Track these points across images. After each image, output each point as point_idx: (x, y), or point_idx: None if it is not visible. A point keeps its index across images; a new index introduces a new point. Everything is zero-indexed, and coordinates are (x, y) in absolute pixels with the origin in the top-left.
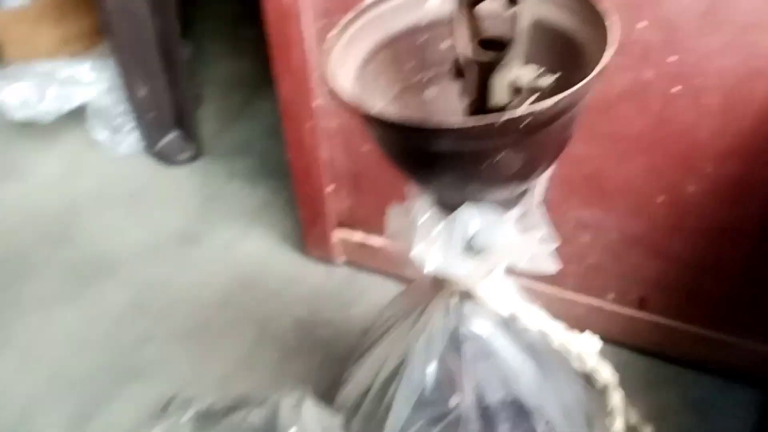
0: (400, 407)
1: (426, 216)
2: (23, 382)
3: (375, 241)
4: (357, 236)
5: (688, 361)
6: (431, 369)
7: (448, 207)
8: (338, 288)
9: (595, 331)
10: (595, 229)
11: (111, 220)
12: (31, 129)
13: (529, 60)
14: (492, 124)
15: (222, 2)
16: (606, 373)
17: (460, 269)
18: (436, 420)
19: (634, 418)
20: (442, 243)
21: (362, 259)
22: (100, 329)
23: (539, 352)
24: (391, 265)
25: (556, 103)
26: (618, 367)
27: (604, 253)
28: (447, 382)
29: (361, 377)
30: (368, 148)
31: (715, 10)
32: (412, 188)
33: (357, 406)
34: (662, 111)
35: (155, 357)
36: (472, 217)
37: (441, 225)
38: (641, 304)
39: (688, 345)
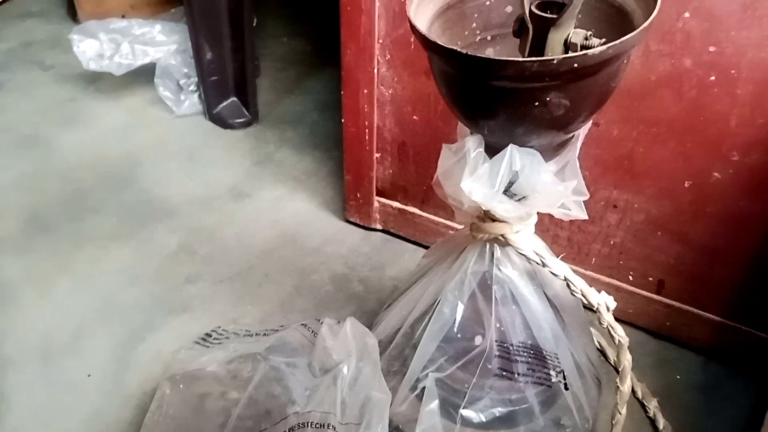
0: (428, 342)
1: (474, 154)
2: (77, 307)
3: (411, 210)
4: (395, 204)
5: (698, 347)
6: (460, 308)
7: (496, 149)
8: (374, 250)
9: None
10: (623, 211)
11: (167, 171)
12: (101, 81)
13: (580, 26)
14: (551, 61)
15: None
16: (621, 332)
17: (502, 205)
18: (460, 355)
19: (642, 390)
20: (488, 179)
21: (398, 227)
22: (151, 266)
23: (561, 306)
24: (425, 234)
25: (605, 50)
26: (630, 346)
27: (628, 234)
28: (473, 321)
29: (392, 318)
30: (417, 117)
31: (756, 4)
32: (463, 130)
33: (386, 344)
34: (697, 98)
35: (201, 295)
36: (516, 159)
37: (488, 163)
38: (659, 287)
39: (699, 330)
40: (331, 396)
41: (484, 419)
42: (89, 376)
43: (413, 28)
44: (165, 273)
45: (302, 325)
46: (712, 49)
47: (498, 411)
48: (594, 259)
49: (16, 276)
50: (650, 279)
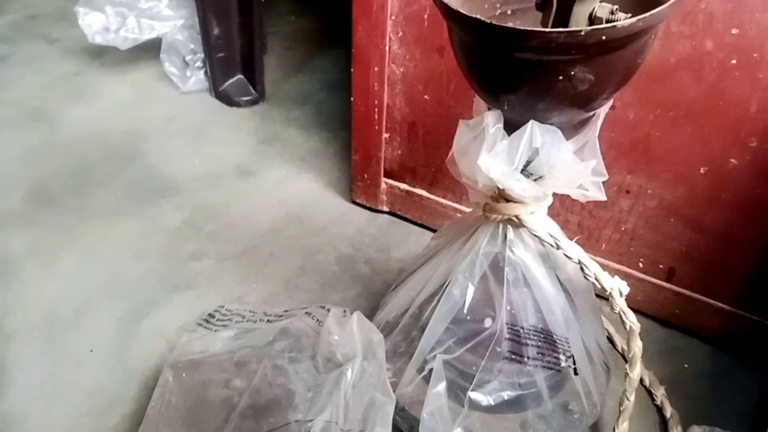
0: (437, 324)
1: (493, 130)
2: (81, 282)
3: (419, 192)
4: (402, 186)
5: (707, 335)
6: (471, 289)
7: (515, 126)
8: (380, 232)
9: None
10: (636, 196)
11: (173, 148)
12: (107, 56)
13: (605, 1)
14: (578, 33)
15: None
16: (632, 318)
17: (519, 184)
18: (469, 338)
19: (649, 378)
20: (507, 156)
21: (405, 209)
22: (156, 242)
23: (573, 290)
24: (432, 217)
25: (635, 23)
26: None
27: (640, 220)
28: (484, 303)
29: (400, 299)
30: (428, 97)
31: None
32: (479, 107)
33: (393, 325)
34: (717, 82)
35: (205, 272)
36: (537, 135)
37: (507, 140)
38: (669, 274)
39: (709, 319)
40: (334, 401)
41: (492, 402)
42: (92, 351)
43: None
44: (170, 249)
45: (306, 313)
46: (734, 31)
47: (506, 394)
48: (604, 245)
49: (21, 250)
50: (661, 266)
